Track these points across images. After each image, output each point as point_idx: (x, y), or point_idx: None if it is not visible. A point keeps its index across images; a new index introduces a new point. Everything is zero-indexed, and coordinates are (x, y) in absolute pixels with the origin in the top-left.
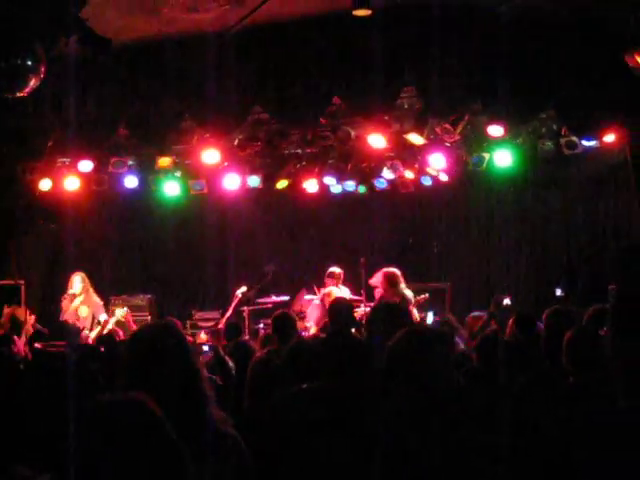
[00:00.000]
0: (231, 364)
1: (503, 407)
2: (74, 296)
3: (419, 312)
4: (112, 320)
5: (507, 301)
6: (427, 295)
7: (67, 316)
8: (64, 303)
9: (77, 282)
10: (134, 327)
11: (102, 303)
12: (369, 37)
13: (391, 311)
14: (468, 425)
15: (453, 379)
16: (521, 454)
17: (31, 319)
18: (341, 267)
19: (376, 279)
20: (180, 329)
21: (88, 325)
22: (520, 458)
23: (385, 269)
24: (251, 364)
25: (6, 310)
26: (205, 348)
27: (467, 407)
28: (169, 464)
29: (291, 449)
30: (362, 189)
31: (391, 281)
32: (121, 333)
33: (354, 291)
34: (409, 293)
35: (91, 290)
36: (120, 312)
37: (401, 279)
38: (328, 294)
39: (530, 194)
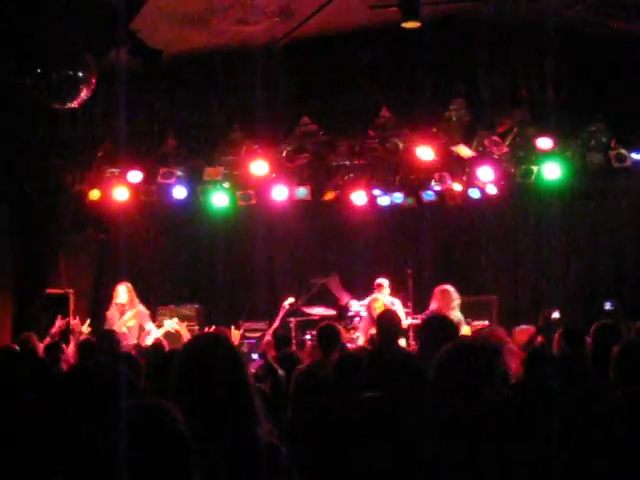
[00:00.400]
0: (281, 372)
1: (550, 420)
2: (122, 306)
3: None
4: (161, 331)
5: (556, 315)
6: (487, 322)
7: (116, 327)
8: (109, 313)
9: (123, 292)
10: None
11: (148, 313)
12: (418, 49)
13: (441, 323)
14: (514, 438)
15: (499, 392)
16: (566, 467)
17: (81, 328)
18: (388, 279)
19: (433, 297)
20: (231, 339)
21: (135, 335)
22: (565, 472)
23: (440, 286)
24: (294, 375)
25: (60, 322)
26: (254, 356)
27: (513, 420)
28: (179, 472)
29: (338, 459)
30: (410, 201)
31: (445, 298)
32: (165, 344)
33: (402, 302)
34: (459, 313)
35: (136, 300)
36: (169, 323)
37: (455, 297)
38: (375, 300)
39: (579, 207)
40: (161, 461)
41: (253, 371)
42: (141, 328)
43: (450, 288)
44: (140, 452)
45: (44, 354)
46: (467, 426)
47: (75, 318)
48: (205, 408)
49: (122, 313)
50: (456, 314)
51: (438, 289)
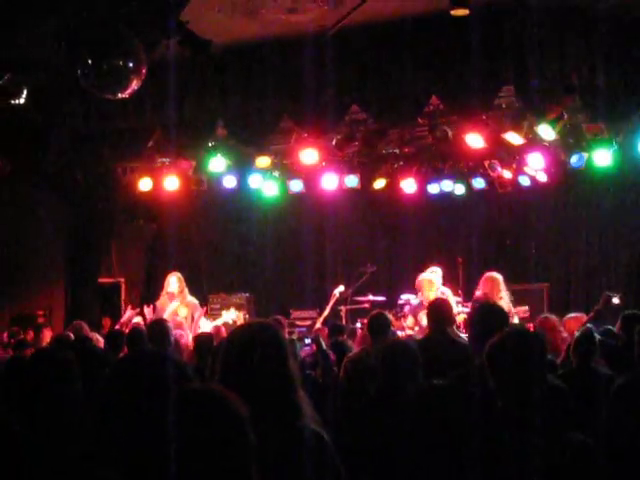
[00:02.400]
0: (332, 359)
1: (599, 407)
2: (172, 295)
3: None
4: (219, 321)
5: (616, 300)
6: (527, 308)
7: (167, 316)
8: (159, 302)
9: (174, 282)
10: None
11: (197, 303)
12: (467, 37)
13: (492, 311)
14: (563, 424)
15: (548, 379)
16: (616, 455)
17: (132, 315)
18: (438, 267)
19: (480, 284)
20: (279, 328)
21: (188, 325)
22: (615, 459)
23: (488, 273)
24: (344, 362)
25: (131, 312)
26: (307, 341)
27: (563, 406)
28: (239, 458)
29: (385, 447)
30: (460, 189)
31: (492, 285)
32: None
33: (453, 291)
34: (507, 301)
35: (186, 290)
36: (228, 315)
37: (502, 285)
38: (430, 282)
39: (631, 193)
40: (224, 445)
41: (303, 357)
42: (193, 319)
43: (497, 275)
44: (202, 436)
45: (105, 342)
46: (520, 413)
47: (135, 309)
48: (247, 396)
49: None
50: (504, 302)
51: (485, 276)
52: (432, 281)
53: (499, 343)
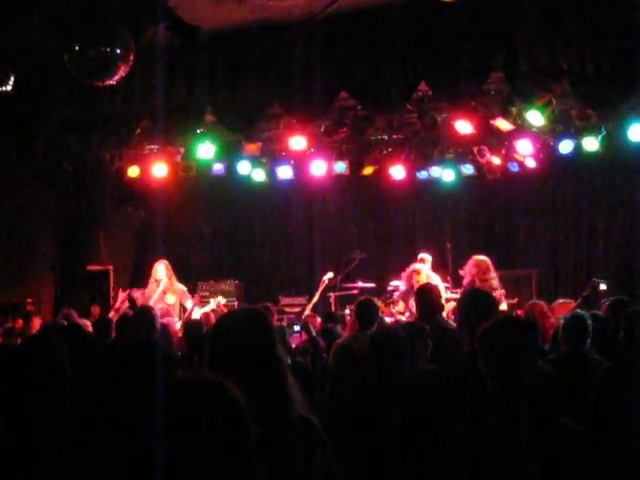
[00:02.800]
0: (322, 346)
1: (586, 393)
2: (160, 283)
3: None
4: (207, 308)
5: (603, 286)
6: (503, 291)
7: (152, 303)
8: (148, 290)
9: (161, 270)
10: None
11: (186, 289)
12: (456, 22)
13: (480, 298)
14: (552, 409)
15: (537, 365)
16: (602, 440)
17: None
18: (427, 253)
19: (467, 267)
20: (267, 315)
21: (176, 312)
22: (601, 443)
23: (475, 256)
24: (333, 349)
25: (123, 295)
26: (296, 328)
27: (553, 392)
28: (240, 449)
29: (370, 433)
30: (448, 175)
31: (481, 269)
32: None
33: (441, 277)
34: (498, 283)
35: (174, 278)
36: (215, 302)
37: (491, 267)
38: (417, 272)
39: (619, 180)
40: (221, 434)
41: (294, 345)
42: (181, 306)
43: (484, 258)
44: (200, 426)
45: (93, 329)
46: (509, 398)
47: (125, 291)
48: (236, 383)
49: (162, 291)
50: (495, 283)
51: (473, 259)
52: (420, 271)
53: (492, 328)
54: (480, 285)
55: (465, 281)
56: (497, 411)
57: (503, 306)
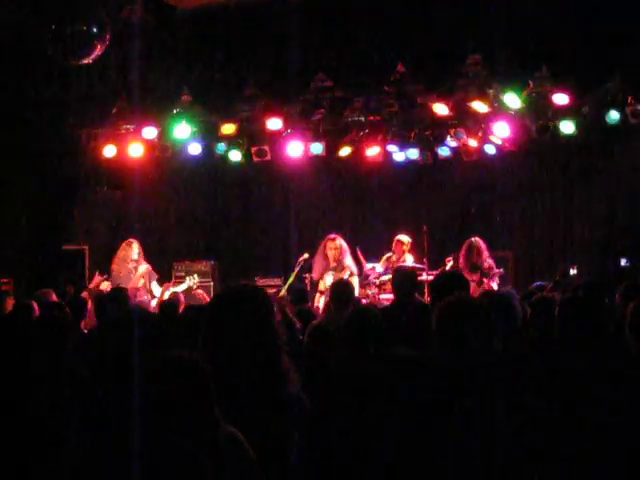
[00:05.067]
0: (298, 326)
1: (553, 375)
2: (136, 262)
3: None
4: (182, 286)
5: (573, 271)
6: (502, 270)
7: (132, 283)
8: (116, 268)
9: (136, 248)
10: (199, 293)
11: (151, 268)
12: (433, 5)
13: (451, 278)
14: (515, 388)
15: (496, 344)
16: (570, 421)
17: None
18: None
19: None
20: (265, 291)
21: (145, 292)
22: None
23: (472, 239)
24: (307, 330)
25: (97, 277)
26: None
27: (521, 372)
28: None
29: (344, 415)
30: (425, 157)
31: (478, 251)
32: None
33: (417, 259)
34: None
35: (142, 256)
36: (191, 280)
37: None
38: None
39: (595, 164)
40: (185, 407)
41: None
42: (145, 286)
43: (478, 239)
44: (167, 399)
45: (68, 308)
46: (469, 376)
47: (103, 274)
48: (234, 357)
49: (135, 269)
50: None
51: (469, 242)
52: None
53: (445, 308)
54: (474, 264)
55: (460, 263)
56: (457, 390)
57: (494, 282)
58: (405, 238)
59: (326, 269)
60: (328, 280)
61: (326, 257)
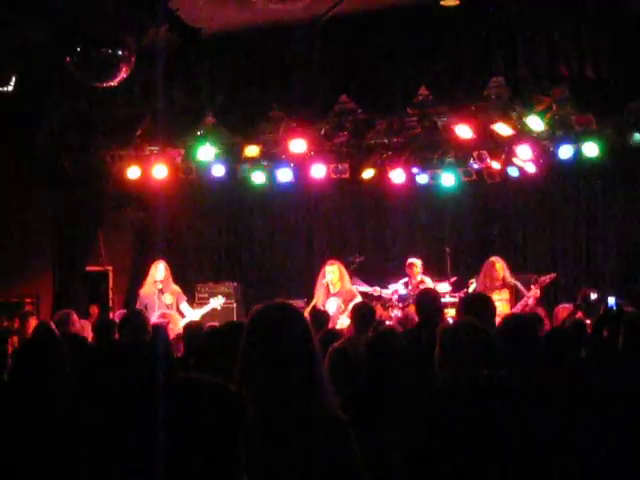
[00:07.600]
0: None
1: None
2: (161, 283)
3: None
4: (207, 308)
5: (594, 295)
6: (553, 275)
7: (153, 303)
8: (144, 290)
9: (162, 270)
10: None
11: (180, 290)
12: (457, 27)
13: (476, 302)
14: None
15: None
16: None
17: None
18: (426, 257)
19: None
20: (301, 310)
21: (173, 312)
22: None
23: (492, 258)
24: (328, 352)
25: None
26: None
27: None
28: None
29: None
30: (448, 179)
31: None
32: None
33: (438, 281)
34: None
35: (170, 278)
36: (215, 301)
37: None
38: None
39: (619, 186)
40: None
41: None
42: (177, 306)
43: (499, 259)
44: (190, 425)
45: (94, 331)
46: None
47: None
48: (274, 380)
49: (160, 291)
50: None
51: (489, 262)
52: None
53: (449, 329)
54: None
55: (482, 283)
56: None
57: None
58: (416, 261)
59: (327, 295)
60: (330, 305)
61: (326, 283)
